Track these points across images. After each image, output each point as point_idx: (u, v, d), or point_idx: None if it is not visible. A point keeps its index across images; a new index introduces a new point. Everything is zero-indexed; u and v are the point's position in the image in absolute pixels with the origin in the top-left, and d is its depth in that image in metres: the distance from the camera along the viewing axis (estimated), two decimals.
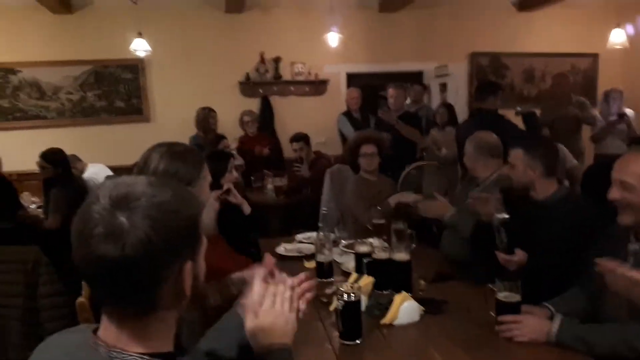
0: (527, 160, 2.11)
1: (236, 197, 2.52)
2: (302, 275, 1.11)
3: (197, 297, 0.84)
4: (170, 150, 1.46)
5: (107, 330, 0.80)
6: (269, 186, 4.49)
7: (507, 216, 2.01)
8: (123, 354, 0.77)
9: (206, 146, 4.37)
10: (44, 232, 3.34)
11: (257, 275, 1.08)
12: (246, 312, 1.05)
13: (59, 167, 3.67)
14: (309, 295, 1.10)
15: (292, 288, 1.07)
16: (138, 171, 1.45)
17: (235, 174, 2.81)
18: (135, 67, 5.68)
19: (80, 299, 1.48)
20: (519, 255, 1.94)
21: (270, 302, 1.03)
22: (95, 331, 0.82)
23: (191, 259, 0.81)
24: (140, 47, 4.88)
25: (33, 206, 4.20)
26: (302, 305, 1.08)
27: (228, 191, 2.45)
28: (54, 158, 3.70)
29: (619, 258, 1.63)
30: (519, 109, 4.51)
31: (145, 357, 0.78)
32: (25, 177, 5.24)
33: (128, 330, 0.79)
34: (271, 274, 1.10)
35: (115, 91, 5.73)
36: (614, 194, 1.57)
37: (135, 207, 0.74)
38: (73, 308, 1.54)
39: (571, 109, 4.92)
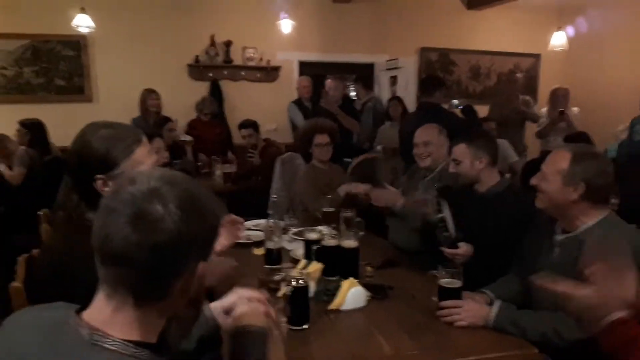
0: (472, 152, 2.18)
1: None
2: None
3: (195, 299, 0.85)
4: (91, 131, 1.34)
5: (98, 313, 0.78)
6: (217, 172, 4.42)
7: (442, 215, 2.07)
8: (106, 338, 0.75)
9: (150, 128, 4.26)
10: None
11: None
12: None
13: (30, 131, 4.01)
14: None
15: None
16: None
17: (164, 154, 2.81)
18: (78, 43, 5.39)
19: (15, 284, 1.40)
20: (464, 248, 2.01)
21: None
22: (78, 311, 0.79)
23: (204, 260, 0.81)
24: (83, 23, 4.64)
25: None
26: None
27: None
28: (28, 122, 4.07)
29: (546, 247, 1.74)
30: (455, 102, 4.65)
31: (130, 344, 0.76)
32: None
33: (124, 316, 0.77)
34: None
35: (55, 68, 5.43)
36: (533, 180, 1.74)
37: (171, 197, 0.76)
38: (4, 293, 1.46)
39: (517, 107, 5.15)
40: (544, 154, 4.80)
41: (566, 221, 1.70)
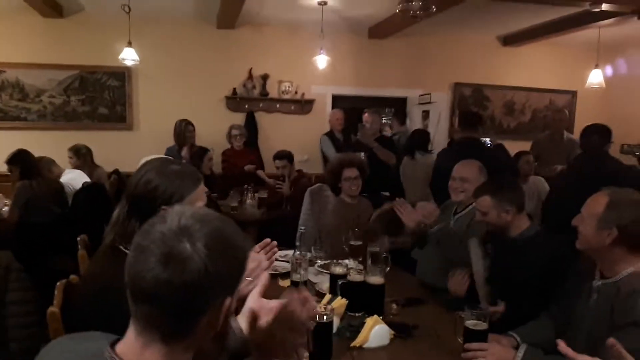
0: (497, 205, 2.13)
1: None
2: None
3: (221, 332, 0.86)
4: (161, 165, 1.44)
5: (130, 347, 0.81)
6: (249, 201, 4.49)
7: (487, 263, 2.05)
8: None
9: (190, 159, 4.44)
10: (18, 236, 3.31)
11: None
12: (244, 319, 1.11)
13: (18, 165, 3.74)
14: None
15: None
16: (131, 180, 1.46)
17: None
18: (122, 75, 5.67)
19: (52, 309, 1.45)
20: (502, 307, 1.98)
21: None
22: (113, 344, 0.82)
23: (231, 295, 0.83)
24: (129, 56, 4.88)
25: (5, 209, 4.12)
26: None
27: None
28: (13, 158, 3.79)
29: (584, 294, 1.70)
30: (487, 140, 4.58)
31: None
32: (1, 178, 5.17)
33: (152, 351, 0.80)
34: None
35: (100, 97, 5.71)
36: (573, 221, 1.72)
37: (199, 236, 0.78)
38: (42, 316, 1.52)
39: (562, 146, 4.98)
40: None
41: (605, 266, 1.66)
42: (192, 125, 5.09)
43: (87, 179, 4.32)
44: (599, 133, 3.37)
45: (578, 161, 3.48)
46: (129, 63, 4.98)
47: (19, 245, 2.86)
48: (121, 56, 4.88)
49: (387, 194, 5.10)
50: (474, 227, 2.43)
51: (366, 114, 4.94)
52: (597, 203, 1.65)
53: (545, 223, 2.99)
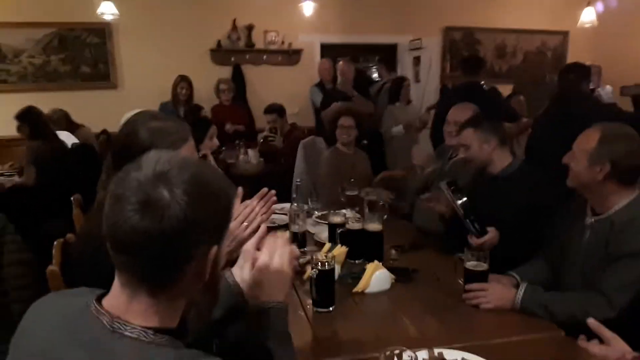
0: (479, 136, 2.14)
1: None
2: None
3: (211, 283, 0.83)
4: (146, 121, 1.38)
5: (116, 300, 0.78)
6: (242, 157, 4.45)
7: (465, 199, 2.03)
8: (126, 325, 0.75)
9: (183, 115, 4.36)
10: (9, 198, 3.28)
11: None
12: (244, 262, 1.12)
13: (26, 122, 3.67)
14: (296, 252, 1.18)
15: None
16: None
17: (215, 141, 2.80)
18: (102, 31, 5.46)
19: (51, 267, 1.45)
20: (491, 234, 1.96)
21: (267, 258, 1.09)
22: (99, 298, 0.80)
23: (217, 244, 0.80)
24: (107, 10, 4.68)
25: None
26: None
27: (204, 157, 2.48)
28: (21, 115, 3.71)
29: (577, 231, 1.71)
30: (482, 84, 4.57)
31: (149, 331, 0.76)
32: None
33: (138, 303, 0.77)
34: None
35: (81, 56, 5.51)
36: (564, 158, 1.72)
37: (177, 182, 0.73)
38: (40, 276, 1.51)
39: (544, 90, 4.99)
40: None
41: (597, 202, 1.68)
42: (187, 82, 4.98)
43: (76, 140, 4.24)
44: (575, 72, 3.35)
45: (555, 101, 3.47)
46: (108, 18, 4.80)
47: (12, 208, 2.82)
48: (99, 10, 4.69)
49: (365, 142, 5.11)
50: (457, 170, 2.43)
51: (341, 63, 4.91)
52: (588, 138, 1.64)
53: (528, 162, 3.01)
